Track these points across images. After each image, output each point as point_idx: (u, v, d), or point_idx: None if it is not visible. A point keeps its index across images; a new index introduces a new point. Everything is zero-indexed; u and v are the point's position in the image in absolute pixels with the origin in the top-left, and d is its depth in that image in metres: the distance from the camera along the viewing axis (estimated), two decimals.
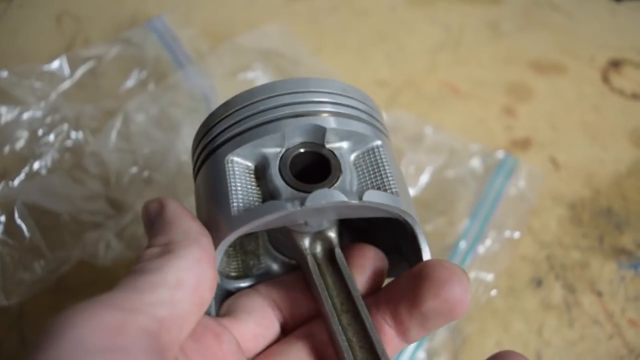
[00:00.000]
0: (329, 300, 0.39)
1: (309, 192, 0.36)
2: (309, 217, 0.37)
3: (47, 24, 0.89)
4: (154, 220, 0.36)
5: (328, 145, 0.39)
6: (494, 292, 0.64)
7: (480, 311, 0.63)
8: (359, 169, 0.39)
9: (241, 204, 0.36)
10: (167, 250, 0.33)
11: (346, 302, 0.39)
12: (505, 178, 0.70)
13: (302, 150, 0.39)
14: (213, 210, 0.38)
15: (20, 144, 0.68)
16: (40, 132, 0.69)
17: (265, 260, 0.45)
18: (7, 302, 0.58)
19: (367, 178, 0.39)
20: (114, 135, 0.67)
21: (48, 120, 0.70)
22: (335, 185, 0.37)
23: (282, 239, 0.43)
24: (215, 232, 0.36)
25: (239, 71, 0.77)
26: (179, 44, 0.79)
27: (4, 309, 0.58)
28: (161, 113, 0.70)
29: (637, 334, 0.62)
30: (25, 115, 0.70)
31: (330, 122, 0.38)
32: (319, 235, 0.42)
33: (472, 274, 0.64)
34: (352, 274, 0.39)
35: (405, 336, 0.37)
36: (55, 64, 0.75)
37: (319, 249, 0.42)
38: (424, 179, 0.70)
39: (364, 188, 0.38)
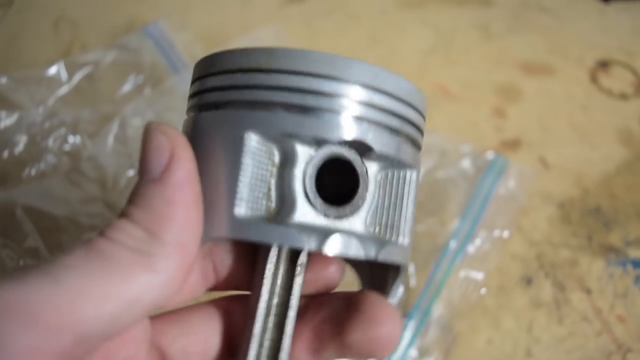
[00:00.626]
0: (267, 297, 0.35)
1: (325, 215, 0.32)
2: None
3: (44, 29, 0.89)
4: (153, 176, 0.30)
5: (363, 158, 0.34)
6: (483, 291, 0.65)
7: (471, 309, 0.64)
8: (381, 190, 0.34)
9: (249, 203, 0.31)
10: (147, 252, 0.28)
11: (280, 306, 0.35)
12: (495, 178, 0.71)
13: (334, 158, 0.33)
14: (209, 186, 0.31)
15: (19, 149, 0.69)
16: (38, 136, 0.70)
17: None
18: None
19: (385, 210, 0.34)
20: (111, 139, 0.68)
21: (46, 125, 0.71)
22: (355, 215, 0.33)
23: None
24: (205, 219, 0.31)
25: None
26: (174, 49, 0.80)
27: None
28: (157, 117, 0.71)
29: (626, 330, 0.63)
30: (24, 120, 0.71)
31: (380, 140, 0.33)
32: None
33: (462, 273, 0.65)
34: (302, 285, 0.36)
35: (318, 355, 0.35)
36: (53, 70, 0.76)
37: (285, 255, 0.37)
38: None
39: (379, 225, 0.34)
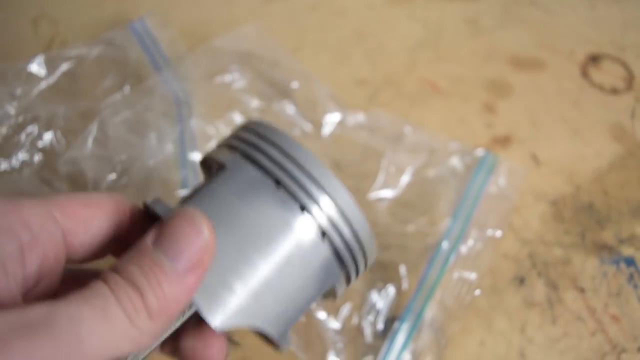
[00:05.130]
0: None
1: None
2: None
3: (23, 27, 0.88)
4: (176, 267, 0.30)
5: None
6: (477, 292, 0.63)
7: (464, 311, 0.63)
8: None
9: None
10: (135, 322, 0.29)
11: None
12: (486, 176, 0.70)
13: None
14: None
15: None
16: (11, 131, 0.69)
17: None
18: None
19: None
20: (90, 141, 0.67)
21: (20, 119, 0.70)
22: None
23: None
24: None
25: (216, 74, 0.76)
26: (158, 46, 0.78)
27: None
28: (136, 117, 0.70)
29: (620, 329, 0.63)
30: None
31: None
32: None
33: (455, 274, 0.64)
34: None
35: None
36: (32, 64, 0.74)
37: None
38: (405, 179, 0.70)
39: None
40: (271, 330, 0.34)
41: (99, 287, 0.28)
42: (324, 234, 0.33)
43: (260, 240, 0.32)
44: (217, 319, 0.31)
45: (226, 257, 0.32)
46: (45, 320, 0.25)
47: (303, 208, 0.32)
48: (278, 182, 0.32)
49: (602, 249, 0.68)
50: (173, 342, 0.35)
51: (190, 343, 0.37)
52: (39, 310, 0.25)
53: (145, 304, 0.28)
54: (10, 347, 0.23)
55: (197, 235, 0.30)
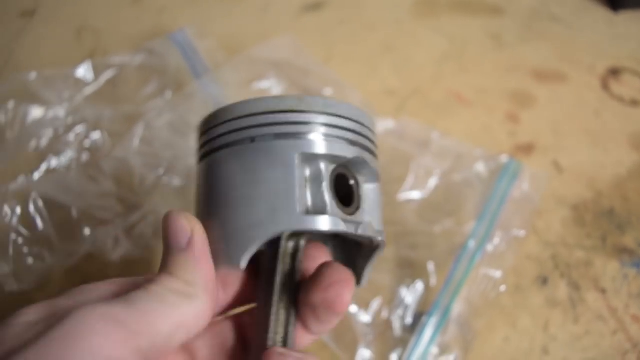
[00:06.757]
0: (278, 287, 0.43)
1: (347, 214, 0.43)
2: None
3: (67, 37, 0.92)
4: (181, 247, 0.39)
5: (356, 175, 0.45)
6: (502, 288, 0.66)
7: (489, 308, 0.65)
8: (364, 200, 0.45)
9: (302, 205, 0.40)
10: (188, 293, 0.37)
11: (285, 295, 0.43)
12: (510, 181, 0.73)
13: (342, 173, 0.44)
14: (257, 202, 0.40)
15: (42, 142, 0.73)
16: (60, 131, 0.74)
17: None
18: (18, 287, 0.62)
19: (370, 212, 0.45)
20: (137, 140, 0.70)
21: (69, 120, 0.74)
22: (357, 213, 0.44)
23: None
24: (258, 226, 0.40)
25: (253, 80, 0.80)
26: (198, 55, 0.82)
27: (14, 293, 0.62)
28: (180, 119, 0.73)
29: None
30: (49, 116, 0.74)
31: (370, 160, 0.44)
32: (302, 234, 0.45)
33: (481, 271, 0.66)
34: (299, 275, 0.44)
35: (307, 329, 0.43)
36: (80, 69, 0.79)
37: (292, 243, 0.45)
38: (433, 182, 0.73)
39: (370, 221, 0.44)
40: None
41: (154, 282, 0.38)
42: None
43: None
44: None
45: None
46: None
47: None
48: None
49: (622, 252, 0.70)
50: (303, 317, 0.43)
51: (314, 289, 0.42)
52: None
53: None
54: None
55: (181, 225, 0.40)
